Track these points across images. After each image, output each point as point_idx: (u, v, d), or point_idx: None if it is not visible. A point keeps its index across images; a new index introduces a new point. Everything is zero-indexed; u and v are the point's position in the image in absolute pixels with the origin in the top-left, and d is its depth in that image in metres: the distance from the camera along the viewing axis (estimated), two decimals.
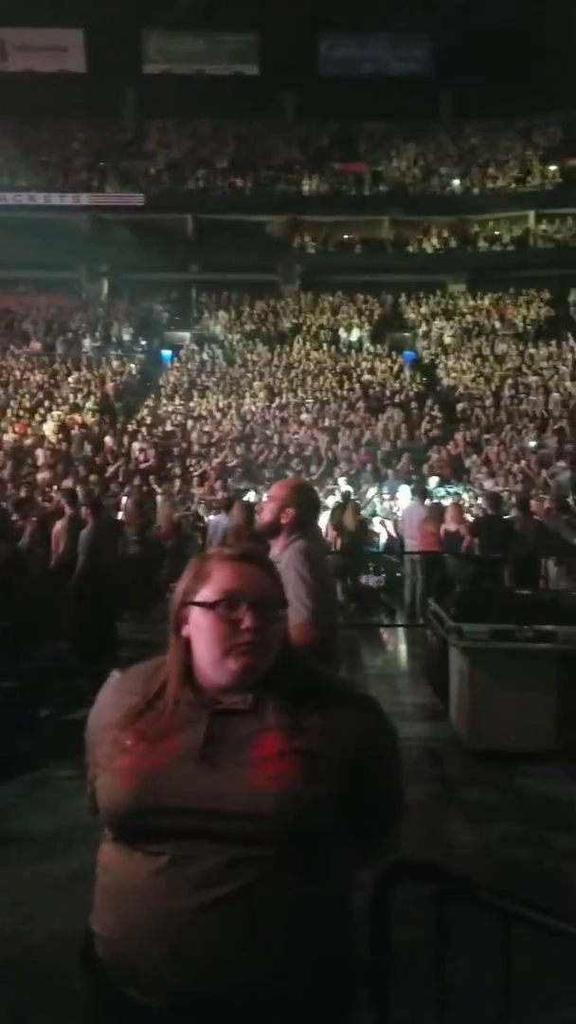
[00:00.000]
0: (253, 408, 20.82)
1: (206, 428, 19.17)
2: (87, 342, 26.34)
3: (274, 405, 21.00)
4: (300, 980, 1.30)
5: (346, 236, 32.44)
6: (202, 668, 1.43)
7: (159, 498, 12.17)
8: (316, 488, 12.63)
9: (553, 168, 33.07)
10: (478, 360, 24.26)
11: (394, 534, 12.07)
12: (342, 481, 14.82)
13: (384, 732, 1.52)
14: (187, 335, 28.15)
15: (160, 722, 1.40)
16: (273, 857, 1.29)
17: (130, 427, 19.04)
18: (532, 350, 24.70)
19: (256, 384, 22.74)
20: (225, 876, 1.27)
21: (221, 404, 21.28)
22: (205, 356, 25.70)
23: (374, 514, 12.89)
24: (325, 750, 1.36)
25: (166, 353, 27.07)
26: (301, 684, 1.44)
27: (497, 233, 31.65)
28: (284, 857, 1.29)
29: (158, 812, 1.31)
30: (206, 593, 1.44)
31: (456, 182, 33.24)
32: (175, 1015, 1.27)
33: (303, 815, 1.30)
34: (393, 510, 12.98)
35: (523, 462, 15.87)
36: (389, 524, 12.48)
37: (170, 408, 21.28)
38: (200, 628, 1.43)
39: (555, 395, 20.88)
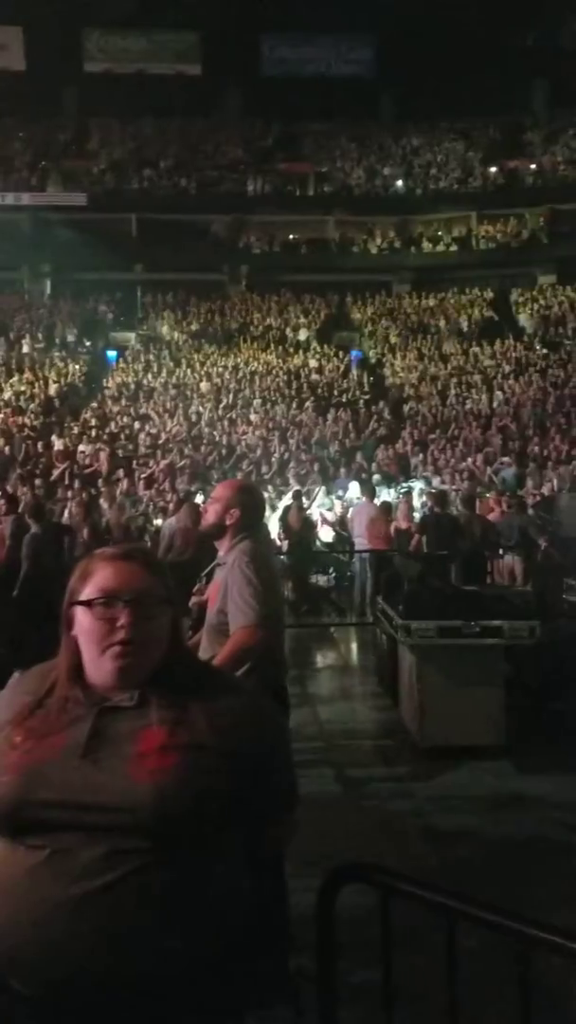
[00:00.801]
0: (200, 409, 20.69)
1: (152, 429, 18.99)
2: (29, 343, 25.92)
3: (221, 406, 20.91)
4: (178, 972, 1.31)
5: (291, 236, 32.51)
6: (88, 667, 1.46)
7: (102, 502, 11.97)
8: (267, 488, 12.67)
9: (494, 170, 33.60)
10: (423, 359, 24.49)
11: (332, 533, 12.13)
12: (293, 481, 14.80)
13: (270, 725, 1.56)
14: (132, 336, 27.84)
15: (48, 719, 1.43)
16: (151, 849, 1.31)
17: (75, 429, 18.77)
18: (476, 349, 25.02)
19: (203, 385, 22.61)
20: (102, 868, 1.30)
21: (168, 405, 21.10)
22: (151, 357, 25.48)
23: (320, 506, 12.91)
24: (208, 744, 1.39)
25: (111, 354, 26.74)
26: (188, 680, 1.48)
27: (440, 234, 32.04)
28: (162, 849, 1.32)
29: (39, 805, 1.33)
30: (86, 592, 1.47)
31: (399, 183, 33.54)
32: (55, 1005, 1.29)
33: (180, 808, 1.32)
34: (337, 509, 13.01)
35: (469, 460, 16.06)
36: (329, 516, 12.53)
37: (116, 409, 21.03)
38: (82, 627, 1.47)
39: (499, 393, 21.20)
